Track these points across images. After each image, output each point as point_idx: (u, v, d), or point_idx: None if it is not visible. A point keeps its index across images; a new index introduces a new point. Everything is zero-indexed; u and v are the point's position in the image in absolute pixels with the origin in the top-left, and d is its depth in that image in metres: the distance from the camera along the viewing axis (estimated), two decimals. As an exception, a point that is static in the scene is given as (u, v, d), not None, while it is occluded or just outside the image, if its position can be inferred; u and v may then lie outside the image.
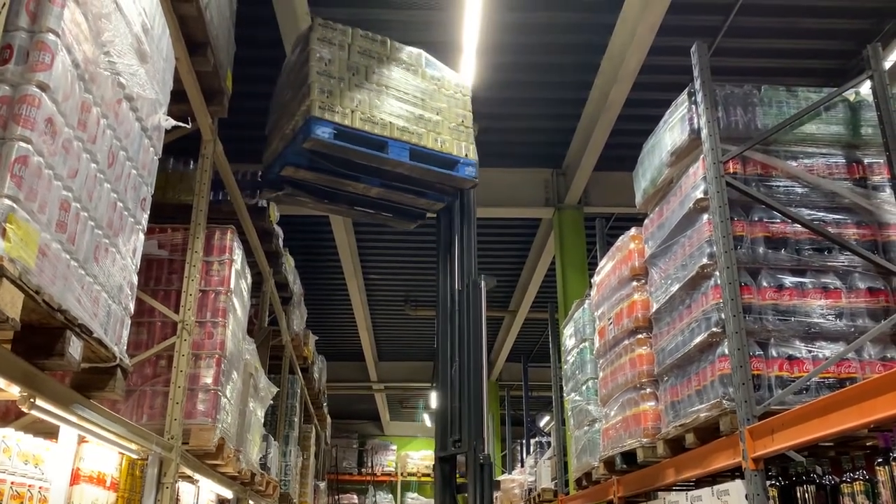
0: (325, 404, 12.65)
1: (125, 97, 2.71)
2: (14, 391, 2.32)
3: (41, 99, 2.08)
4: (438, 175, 5.26)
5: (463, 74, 7.37)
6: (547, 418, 18.94)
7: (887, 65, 6.90)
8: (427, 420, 21.19)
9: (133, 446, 3.42)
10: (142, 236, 3.00)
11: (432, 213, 5.92)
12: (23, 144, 2.02)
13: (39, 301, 2.09)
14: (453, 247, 5.63)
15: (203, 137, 4.64)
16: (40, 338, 2.27)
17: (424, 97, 5.32)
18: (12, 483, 2.54)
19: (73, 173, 2.31)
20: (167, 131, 3.29)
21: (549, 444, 10.68)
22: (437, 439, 5.34)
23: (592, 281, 6.22)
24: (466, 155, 5.33)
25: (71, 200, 2.30)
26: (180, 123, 3.30)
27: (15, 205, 1.98)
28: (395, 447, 21.63)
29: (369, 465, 21.13)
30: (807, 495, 3.20)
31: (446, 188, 5.52)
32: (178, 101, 4.07)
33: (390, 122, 5.00)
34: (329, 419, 14.28)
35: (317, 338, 10.55)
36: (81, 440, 3.03)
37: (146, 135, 2.98)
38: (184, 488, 4.67)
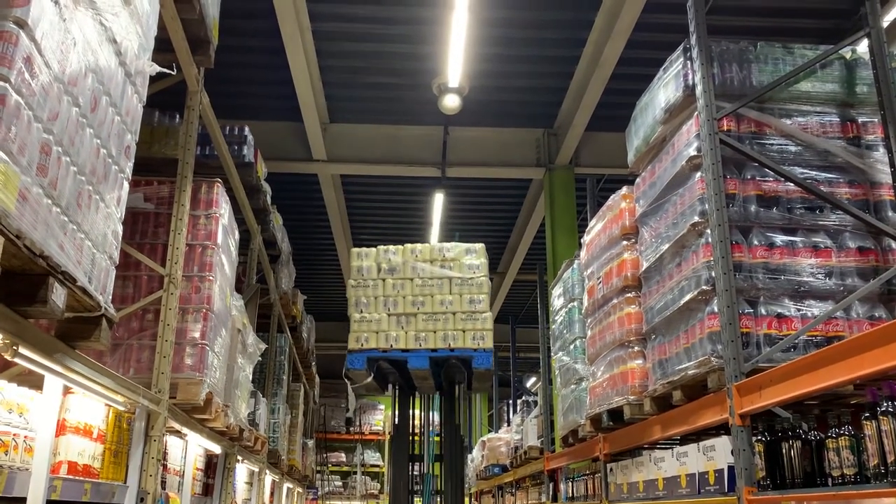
0: (313, 364, 12.68)
1: (107, 40, 2.63)
2: (-4, 338, 2.27)
3: (18, 36, 2.01)
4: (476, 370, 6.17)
5: (454, 30, 7.25)
6: (534, 379, 19.10)
7: (885, 23, 6.82)
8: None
9: (120, 398, 3.40)
10: (126, 185, 2.93)
11: None
12: (0, 83, 1.95)
13: (20, 246, 2.04)
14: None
15: (189, 88, 4.54)
16: (22, 284, 2.22)
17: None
18: (-4, 431, 2.51)
19: (54, 116, 2.24)
20: (152, 80, 3.20)
21: (535, 403, 10.77)
22: None
23: (582, 241, 6.21)
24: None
25: (52, 144, 2.23)
26: (165, 70, 3.21)
27: (-7, 145, 1.92)
28: (382, 407, 21.79)
29: (357, 424, 21.30)
30: (792, 451, 3.22)
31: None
32: (164, 50, 3.97)
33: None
34: (318, 379, 14.33)
35: (305, 297, 10.52)
36: (67, 391, 3.00)
37: (130, 80, 2.90)
38: (172, 442, 4.67)
